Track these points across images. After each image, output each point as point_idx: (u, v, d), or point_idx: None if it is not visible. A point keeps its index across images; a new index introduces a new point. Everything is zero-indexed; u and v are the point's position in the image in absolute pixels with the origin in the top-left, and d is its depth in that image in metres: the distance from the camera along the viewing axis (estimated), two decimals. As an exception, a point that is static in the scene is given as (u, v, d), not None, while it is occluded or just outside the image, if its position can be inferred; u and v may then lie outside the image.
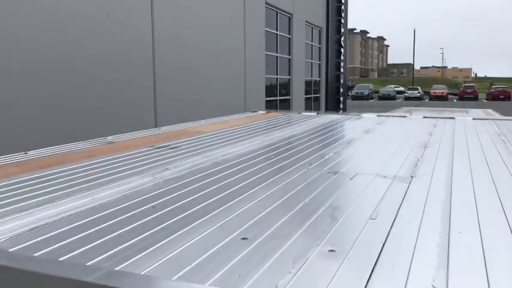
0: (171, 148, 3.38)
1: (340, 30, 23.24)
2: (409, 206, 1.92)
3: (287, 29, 17.00)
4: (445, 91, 49.14)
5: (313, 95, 20.91)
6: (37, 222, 1.69)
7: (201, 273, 1.27)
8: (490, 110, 10.34)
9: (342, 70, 23.53)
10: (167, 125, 5.00)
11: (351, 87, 50.59)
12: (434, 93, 48.46)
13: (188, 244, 1.48)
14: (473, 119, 5.61)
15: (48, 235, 1.56)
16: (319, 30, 21.48)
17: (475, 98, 45.75)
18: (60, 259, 1.36)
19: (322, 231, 1.60)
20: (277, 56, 16.10)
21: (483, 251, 1.43)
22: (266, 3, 14.41)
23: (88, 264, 1.32)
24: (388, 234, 1.57)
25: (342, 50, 23.46)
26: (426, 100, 46.44)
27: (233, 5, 12.06)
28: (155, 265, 1.31)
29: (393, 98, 49.11)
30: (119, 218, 1.74)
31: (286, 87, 17.21)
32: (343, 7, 23.02)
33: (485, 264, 1.32)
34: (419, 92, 49.67)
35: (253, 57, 13.34)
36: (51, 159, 2.91)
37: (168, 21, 8.91)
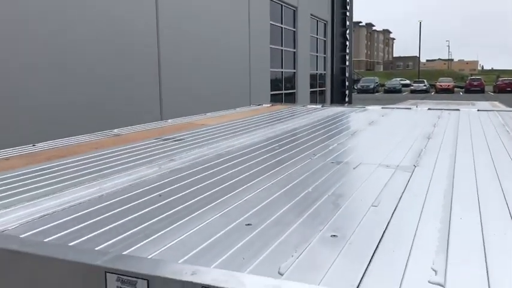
0: (176, 140, 3.42)
1: (346, 23, 23.16)
2: (411, 194, 1.95)
3: (292, 22, 16.97)
4: (451, 84, 48.86)
5: (318, 89, 20.88)
6: (46, 210, 1.73)
7: (206, 256, 1.30)
8: (496, 103, 10.31)
9: (347, 63, 23.47)
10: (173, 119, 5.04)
11: (357, 81, 50.44)
12: (441, 86, 48.20)
13: (194, 230, 1.51)
14: (478, 110, 5.61)
15: (57, 222, 1.60)
16: (324, 24, 21.43)
17: (482, 91, 45.47)
18: (70, 244, 1.40)
19: (324, 218, 1.63)
20: (282, 50, 16.09)
21: (483, 236, 1.45)
22: (271, -4, 14.40)
23: (96, 249, 1.36)
24: (389, 221, 1.60)
25: (347, 43, 23.39)
26: (432, 93, 46.23)
27: (238, -1, 12.07)
28: (161, 250, 1.35)
29: (399, 91, 48.91)
30: (126, 206, 1.78)
31: (291, 81, 17.20)
32: (348, 0, 22.93)
33: (485, 249, 1.35)
34: (425, 85, 49.42)
35: (258, 50, 13.34)
36: (59, 151, 2.95)
37: (172, 15, 8.93)
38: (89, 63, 6.90)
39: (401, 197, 1.89)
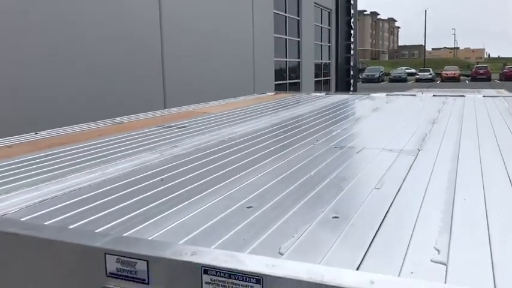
0: (179, 128, 3.41)
1: (350, 11, 22.99)
2: (415, 176, 1.93)
3: (296, 11, 16.86)
4: (457, 72, 48.53)
5: (323, 78, 20.80)
6: (47, 195, 1.73)
7: (207, 238, 1.29)
8: (502, 90, 10.20)
9: (352, 52, 23.33)
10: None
11: (362, 70, 50.17)
12: (446, 74, 47.89)
13: (194, 212, 1.50)
14: (484, 96, 5.56)
15: (58, 206, 1.60)
16: (329, 12, 21.28)
17: (488, 79, 45.13)
18: (70, 227, 1.39)
19: (326, 200, 1.61)
20: (286, 39, 16.01)
21: (487, 217, 1.43)
22: (274, -15, 14.30)
23: (96, 231, 1.35)
24: (392, 202, 1.58)
25: (352, 31, 23.23)
26: (438, 82, 45.95)
27: (241, -13, 11.99)
28: (162, 231, 1.34)
29: (404, 80, 48.63)
30: (127, 190, 1.77)
31: (295, 70, 17.13)
32: (352, -12, 22.75)
33: (488, 229, 1.33)
34: (430, 74, 49.10)
35: (262, 40, 13.28)
36: (61, 139, 2.95)
37: (176, 4, 8.88)
38: (90, 56, 6.89)
39: (404, 179, 1.88)
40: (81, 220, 1.45)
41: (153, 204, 1.59)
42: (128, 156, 2.41)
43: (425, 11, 69.57)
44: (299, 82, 17.35)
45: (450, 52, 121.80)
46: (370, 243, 1.24)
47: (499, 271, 1.06)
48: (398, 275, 1.05)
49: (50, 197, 1.71)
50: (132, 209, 1.55)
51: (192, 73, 9.44)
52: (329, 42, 21.69)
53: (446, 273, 1.06)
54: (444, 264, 1.10)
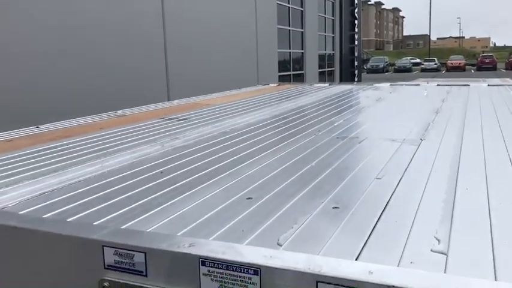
0: (180, 120, 3.40)
1: (354, 1, 22.80)
2: (417, 166, 1.91)
3: (299, 2, 16.75)
4: (463, 62, 48.22)
5: (327, 69, 20.70)
6: (47, 188, 1.72)
7: (206, 229, 1.28)
8: (508, 79, 10.12)
9: (356, 43, 23.16)
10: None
11: (366, 60, 49.91)
12: (452, 64, 47.59)
13: (193, 204, 1.49)
14: (489, 85, 5.50)
15: (57, 199, 1.59)
16: (332, 2, 21.14)
17: (494, 68, 44.81)
18: (68, 220, 1.39)
19: (326, 191, 1.60)
20: (289, 30, 15.93)
21: (489, 206, 1.42)
22: (277, -25, 14.20)
23: (94, 223, 1.34)
24: (393, 192, 1.57)
25: (356, 22, 23.06)
26: (443, 71, 45.68)
27: (243, -22, 11.91)
28: (160, 223, 1.34)
29: (409, 70, 48.37)
30: (127, 183, 1.76)
31: (299, 62, 17.06)
32: (356, -22, 22.54)
33: (490, 219, 1.31)
34: (436, 64, 48.82)
35: (265, 31, 13.21)
36: (62, 132, 2.95)
37: (177, -4, 8.84)
38: (93, 49, 6.88)
39: (406, 169, 1.86)
40: (79, 213, 1.45)
41: (152, 197, 1.58)
42: (128, 148, 2.41)
43: (430, 0, 68.98)
44: (303, 73, 17.28)
45: (455, 41, 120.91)
46: (370, 233, 1.22)
47: (500, 261, 1.05)
48: (398, 265, 1.04)
49: (49, 190, 1.71)
50: (131, 201, 1.54)
51: (195, 65, 9.42)
52: (333, 33, 21.57)
53: (446, 263, 1.05)
54: (444, 254, 1.09)
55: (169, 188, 1.67)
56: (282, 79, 14.69)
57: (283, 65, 15.32)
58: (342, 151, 2.22)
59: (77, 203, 1.54)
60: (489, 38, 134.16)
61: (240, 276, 1.04)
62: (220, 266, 1.06)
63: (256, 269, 1.02)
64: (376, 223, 1.29)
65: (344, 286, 0.93)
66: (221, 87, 6.29)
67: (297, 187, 1.65)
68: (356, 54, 23.13)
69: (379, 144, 2.36)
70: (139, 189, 1.67)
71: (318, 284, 0.95)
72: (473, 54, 70.00)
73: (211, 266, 1.06)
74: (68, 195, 1.64)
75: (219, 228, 1.28)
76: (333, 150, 2.24)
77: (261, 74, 12.70)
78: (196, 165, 2.02)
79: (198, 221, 1.34)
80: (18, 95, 5.74)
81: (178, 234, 1.25)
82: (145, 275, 1.12)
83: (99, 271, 1.17)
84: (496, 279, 0.97)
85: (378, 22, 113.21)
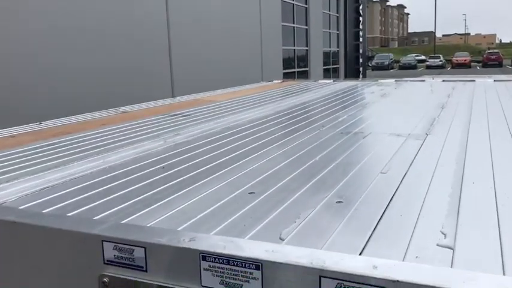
0: (183, 116, 3.38)
1: (359, -2, 22.71)
2: (422, 160, 1.88)
3: (303, -1, 16.70)
4: (468, 58, 47.97)
5: (331, 66, 20.64)
6: (47, 184, 1.71)
7: (207, 224, 1.26)
8: (514, 75, 10.03)
9: (361, 40, 23.06)
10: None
11: (371, 57, 49.74)
12: (457, 60, 47.37)
13: (194, 199, 1.47)
14: (495, 80, 5.45)
15: (57, 194, 1.58)
16: (337, -1, 21.06)
17: (500, 65, 44.53)
18: (68, 215, 1.37)
19: (330, 185, 1.57)
20: (294, 27, 15.88)
21: (496, 199, 1.39)
22: (281, -28, 14.15)
23: (95, 218, 1.33)
24: (398, 186, 1.54)
25: (361, 18, 22.95)
26: (448, 68, 45.46)
27: (247, -25, 11.87)
28: (161, 218, 1.32)
29: (414, 67, 48.17)
30: (127, 178, 1.75)
31: (303, 59, 17.01)
32: (360, -26, 22.43)
33: (498, 212, 1.29)
34: (441, 61, 48.58)
35: (270, 28, 13.17)
36: (64, 128, 2.94)
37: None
38: (100, 43, 6.87)
39: (411, 163, 1.83)
40: (80, 208, 1.43)
41: (153, 191, 1.56)
42: (130, 144, 2.39)
43: (435, -4, 68.57)
44: (307, 70, 17.22)
45: (461, 38, 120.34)
46: (374, 228, 1.20)
47: (508, 255, 1.02)
48: (403, 260, 1.01)
49: (50, 185, 1.69)
50: (132, 196, 1.52)
51: (199, 62, 9.40)
52: (337, 30, 21.49)
53: (452, 258, 1.02)
54: (451, 248, 1.06)
55: (171, 183, 1.65)
56: (287, 76, 14.65)
57: (287, 62, 15.28)
58: (346, 146, 2.20)
59: (77, 198, 1.52)
60: (495, 35, 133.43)
61: (241, 271, 1.01)
62: (221, 260, 1.03)
63: (257, 264, 0.99)
64: (380, 217, 1.27)
65: (347, 281, 0.91)
66: (225, 84, 6.28)
67: (300, 181, 1.63)
68: (361, 51, 23.04)
69: (383, 139, 2.33)
70: (140, 184, 1.65)
71: (321, 278, 0.93)
72: (478, 51, 69.63)
73: (212, 261, 1.04)
74: (68, 190, 1.62)
75: (221, 223, 1.26)
76: (337, 145, 2.21)
77: (265, 71, 12.67)
78: (198, 160, 2.00)
79: (199, 216, 1.32)
80: (24, 93, 5.74)
81: (179, 228, 1.23)
82: (146, 270, 1.10)
83: (98, 266, 1.15)
84: (504, 274, 0.94)
85: (383, 19, 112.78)
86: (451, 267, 0.98)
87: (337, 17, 21.30)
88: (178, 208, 1.39)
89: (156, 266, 1.09)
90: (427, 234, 1.15)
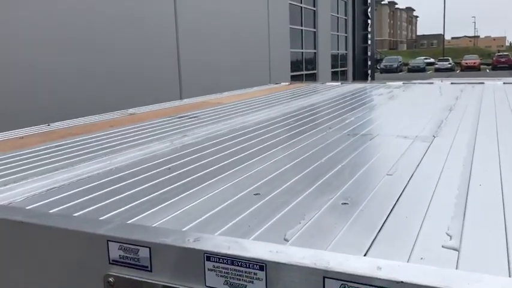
0: (191, 118, 3.39)
1: (367, 1, 22.67)
2: (429, 162, 1.87)
3: (311, 1, 16.69)
4: (477, 61, 47.68)
5: (340, 69, 20.60)
6: (54, 184, 1.72)
7: (212, 225, 1.27)
8: (524, 77, 9.95)
9: (369, 42, 23.02)
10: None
11: (380, 60, 49.59)
12: (466, 63, 47.09)
13: (200, 200, 1.48)
14: (504, 83, 5.41)
15: (64, 195, 1.59)
16: (345, 2, 21.03)
17: (510, 67, 44.17)
18: (74, 215, 1.38)
19: (336, 187, 1.57)
20: (302, 30, 15.88)
21: (503, 202, 1.38)
22: (289, -25, 14.16)
23: (100, 218, 1.33)
24: (404, 188, 1.53)
25: (369, 21, 22.91)
26: (457, 71, 45.20)
27: (255, -22, 11.90)
28: (166, 218, 1.32)
29: (423, 70, 47.95)
30: (134, 179, 1.75)
31: (312, 61, 17.00)
32: (369, -23, 22.40)
33: (504, 214, 1.28)
34: (450, 63, 48.33)
35: (277, 31, 13.18)
36: (72, 130, 2.96)
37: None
38: (108, 45, 6.91)
39: (418, 165, 1.82)
40: (86, 208, 1.44)
41: (159, 192, 1.57)
42: (137, 145, 2.40)
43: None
44: (315, 73, 17.21)
45: (470, 41, 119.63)
46: (379, 229, 1.19)
47: (514, 257, 1.01)
48: (408, 261, 1.01)
49: (57, 185, 1.70)
50: (138, 197, 1.53)
51: (207, 65, 9.42)
52: (346, 33, 21.46)
53: (458, 259, 1.01)
54: (456, 250, 1.06)
55: (177, 184, 1.66)
56: (295, 79, 14.64)
57: (295, 65, 15.27)
58: (352, 148, 2.19)
59: (84, 199, 1.53)
60: (505, 37, 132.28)
61: (245, 272, 1.01)
62: (225, 261, 1.03)
63: (261, 264, 0.99)
64: (386, 219, 1.26)
65: (351, 282, 0.91)
66: (233, 87, 6.29)
67: (306, 183, 1.62)
68: (369, 53, 22.99)
69: (390, 141, 2.32)
70: (146, 185, 1.66)
71: (325, 279, 0.93)
72: (488, 53, 69.17)
73: (217, 261, 1.04)
74: (75, 190, 1.63)
75: (226, 224, 1.26)
76: (343, 147, 2.21)
77: (273, 74, 12.67)
78: (204, 161, 2.00)
79: (204, 217, 1.32)
80: (33, 95, 5.79)
81: (184, 229, 1.23)
82: (150, 270, 1.11)
83: (104, 266, 1.15)
84: (510, 276, 0.94)
85: (392, 22, 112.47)
86: (456, 268, 0.97)
87: (346, 19, 21.27)
88: (184, 209, 1.40)
89: (161, 266, 1.09)
90: (432, 235, 1.14)
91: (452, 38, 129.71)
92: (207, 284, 1.04)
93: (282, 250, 1.02)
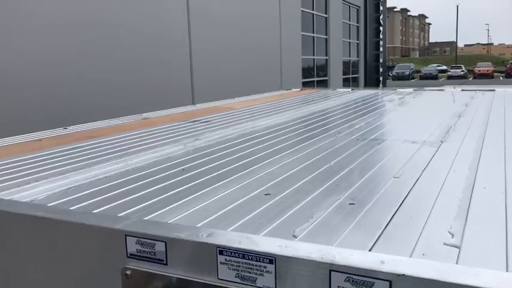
0: (203, 122, 3.46)
1: (379, 8, 22.69)
2: (435, 166, 1.92)
3: (323, 9, 16.76)
4: (491, 69, 47.32)
5: (351, 76, 20.62)
6: (73, 183, 1.80)
7: (224, 222, 1.33)
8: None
9: (381, 49, 23.02)
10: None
11: (392, 67, 49.46)
12: (479, 71, 46.76)
13: (213, 199, 1.54)
14: (515, 90, 5.41)
15: (83, 193, 1.66)
16: (357, 9, 21.07)
17: (523, 75, 43.81)
18: (93, 211, 1.45)
19: (344, 188, 1.62)
20: (313, 36, 15.94)
21: (506, 204, 1.42)
22: (301, -18, 14.26)
23: (118, 215, 1.40)
24: (410, 190, 1.58)
25: (381, 28, 22.92)
26: (470, 79, 44.91)
27: (267, -15, 12.00)
28: (181, 215, 1.39)
29: (435, 77, 47.73)
30: (150, 179, 1.82)
31: (323, 68, 17.05)
32: (381, -16, 22.44)
33: (506, 216, 1.32)
34: (462, 71, 48.05)
35: (289, 38, 13.26)
36: (89, 133, 3.04)
37: (203, 3, 8.97)
38: (123, 51, 7.03)
39: (424, 169, 1.87)
40: (104, 205, 1.51)
41: (173, 191, 1.64)
42: (151, 148, 2.48)
43: (457, 6, 68.01)
44: (327, 80, 17.25)
45: (484, 48, 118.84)
46: (384, 228, 1.25)
47: (511, 254, 1.06)
48: (410, 257, 1.06)
49: (75, 185, 1.78)
50: (154, 195, 1.60)
51: (219, 70, 9.52)
52: (357, 40, 21.48)
53: (458, 256, 1.06)
54: (457, 247, 1.11)
55: (191, 184, 1.73)
56: (306, 85, 14.69)
57: (307, 72, 15.33)
58: (361, 152, 2.24)
59: (102, 197, 1.60)
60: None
61: (255, 265, 1.07)
62: (237, 255, 1.09)
63: (271, 258, 1.05)
64: (391, 219, 1.31)
65: (356, 275, 0.96)
66: (245, 92, 6.36)
67: (315, 184, 1.68)
68: (381, 60, 22.98)
69: (398, 146, 2.37)
70: (161, 185, 1.73)
71: (331, 272, 0.98)
72: (502, 61, 68.61)
73: (229, 255, 1.10)
74: (93, 189, 1.70)
75: (237, 221, 1.32)
76: (352, 151, 2.26)
77: (284, 80, 12.74)
78: (216, 163, 2.07)
79: (217, 214, 1.38)
80: (53, 100, 5.91)
81: (198, 225, 1.30)
82: (166, 263, 1.17)
83: (122, 259, 1.22)
84: (507, 271, 0.98)
85: (404, 29, 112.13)
86: (456, 263, 1.02)
87: (357, 26, 21.30)
88: (197, 207, 1.46)
89: (176, 259, 1.15)
90: (435, 234, 1.19)
91: (466, 45, 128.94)
92: (219, 277, 1.10)
93: (291, 245, 1.07)
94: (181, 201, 1.52)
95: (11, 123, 5.26)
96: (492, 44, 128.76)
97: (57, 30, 6.08)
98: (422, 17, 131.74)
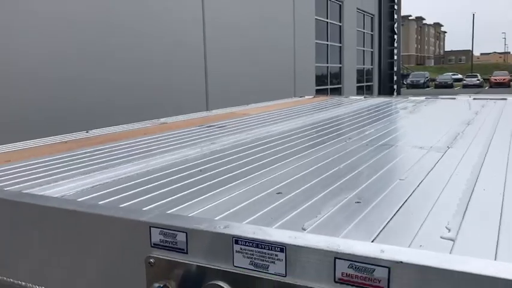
0: (218, 127, 3.60)
1: (394, 16, 22.75)
2: (439, 169, 2.01)
3: (338, 17, 16.89)
4: (507, 78, 46.93)
5: (365, 84, 20.67)
6: (97, 182, 1.93)
7: (239, 216, 1.45)
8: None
9: (395, 57, 23.05)
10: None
11: (406, 76, 49.32)
12: (495, 80, 46.43)
13: (229, 196, 1.66)
14: (528, 99, 5.46)
15: (107, 190, 1.79)
16: (371, 17, 21.16)
17: (540, 84, 43.37)
18: (120, 206, 1.58)
19: (351, 189, 1.73)
20: (327, 44, 16.07)
21: (502, 204, 1.52)
22: (315, -9, 14.41)
23: (143, 209, 1.53)
24: (413, 191, 1.69)
25: (396, 36, 22.96)
26: (486, 88, 44.58)
27: (282, -6, 12.17)
28: (199, 210, 1.51)
29: (450, 86, 47.49)
30: (170, 178, 1.95)
31: (337, 76, 17.14)
32: (395, -7, 22.49)
33: (501, 214, 1.42)
34: (478, 80, 47.74)
35: (303, 45, 13.40)
36: (109, 137, 3.19)
37: (218, 10, 9.15)
38: (136, 61, 7.22)
39: (429, 172, 1.97)
40: (128, 201, 1.63)
41: (191, 190, 1.76)
42: (170, 151, 2.61)
43: (473, 14, 67.68)
44: (341, 87, 17.34)
45: (500, 57, 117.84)
46: (386, 223, 1.35)
47: (501, 246, 1.16)
48: (408, 247, 1.17)
49: (101, 183, 1.91)
50: (174, 193, 1.72)
51: (233, 78, 9.68)
52: (371, 48, 21.55)
53: (452, 247, 1.17)
54: (452, 240, 1.21)
55: (208, 183, 1.85)
56: (320, 93, 14.79)
57: (320, 79, 15.45)
58: (369, 156, 2.35)
59: (126, 194, 1.73)
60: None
61: (268, 253, 1.18)
62: (251, 244, 1.21)
63: (282, 247, 1.16)
64: (393, 215, 1.42)
65: (358, 262, 1.07)
66: (258, 99, 6.50)
67: (324, 185, 1.79)
68: (395, 69, 22.99)
69: (406, 151, 2.47)
70: (181, 184, 1.85)
71: (336, 260, 1.09)
72: (518, 69, 67.96)
73: (244, 244, 1.21)
74: (117, 187, 1.83)
75: (251, 216, 1.44)
76: (360, 156, 2.37)
77: (298, 87, 12.86)
78: (231, 165, 2.19)
79: (232, 209, 1.50)
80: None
81: (216, 218, 1.42)
82: (186, 252, 1.28)
83: (146, 249, 1.34)
84: (495, 260, 1.09)
85: (419, 37, 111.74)
86: (450, 253, 1.13)
87: (372, 35, 21.38)
88: (215, 203, 1.58)
89: (196, 248, 1.27)
90: (433, 228, 1.30)
91: (482, 54, 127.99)
92: (235, 264, 1.21)
93: (300, 236, 1.19)
94: (199, 198, 1.64)
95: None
96: (509, 52, 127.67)
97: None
98: (437, 25, 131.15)
